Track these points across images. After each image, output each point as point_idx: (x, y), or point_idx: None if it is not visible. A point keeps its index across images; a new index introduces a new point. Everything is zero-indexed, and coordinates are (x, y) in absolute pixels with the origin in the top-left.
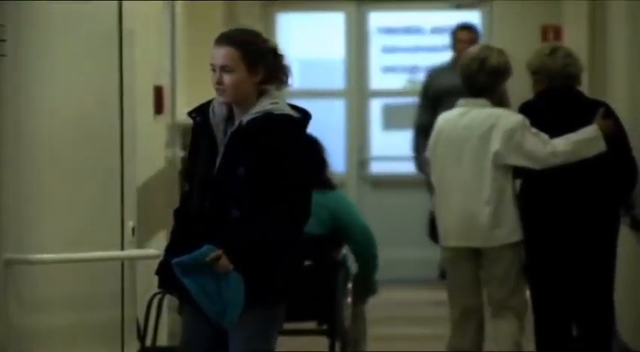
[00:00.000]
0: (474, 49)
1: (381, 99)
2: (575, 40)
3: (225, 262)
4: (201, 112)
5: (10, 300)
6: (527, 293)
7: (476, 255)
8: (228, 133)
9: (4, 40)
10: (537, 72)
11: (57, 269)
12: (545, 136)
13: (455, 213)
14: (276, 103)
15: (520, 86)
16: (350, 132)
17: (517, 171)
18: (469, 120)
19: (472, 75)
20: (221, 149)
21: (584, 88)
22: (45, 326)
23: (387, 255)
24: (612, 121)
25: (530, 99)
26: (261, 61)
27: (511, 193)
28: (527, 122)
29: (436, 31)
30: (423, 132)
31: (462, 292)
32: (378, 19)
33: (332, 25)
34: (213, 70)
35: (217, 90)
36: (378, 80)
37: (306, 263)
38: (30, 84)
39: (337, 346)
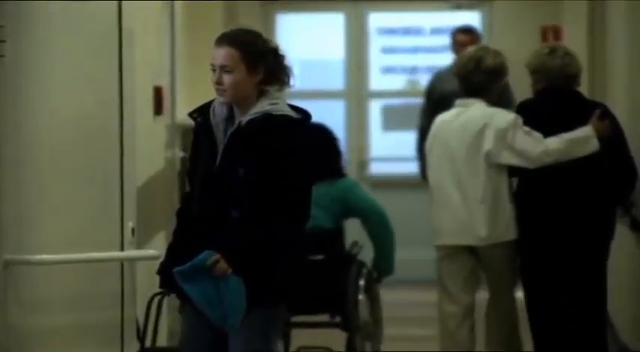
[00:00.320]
0: (470, 50)
1: (381, 100)
2: (574, 40)
3: (223, 265)
4: (201, 113)
5: (10, 301)
6: (520, 293)
7: (471, 254)
8: (228, 134)
9: (3, 41)
10: (536, 71)
11: (57, 270)
12: (538, 135)
13: (449, 211)
14: (276, 104)
15: (520, 87)
16: (349, 132)
17: (513, 171)
18: (464, 120)
19: (468, 75)
20: (221, 149)
21: (584, 88)
22: (45, 327)
23: None
24: (609, 123)
25: (528, 98)
26: (262, 62)
27: (505, 192)
28: (519, 121)
29: (436, 31)
30: (423, 138)
31: (455, 290)
32: (377, 19)
33: (331, 25)
34: (213, 70)
35: (217, 90)
36: (377, 81)
37: (319, 257)
38: (29, 84)
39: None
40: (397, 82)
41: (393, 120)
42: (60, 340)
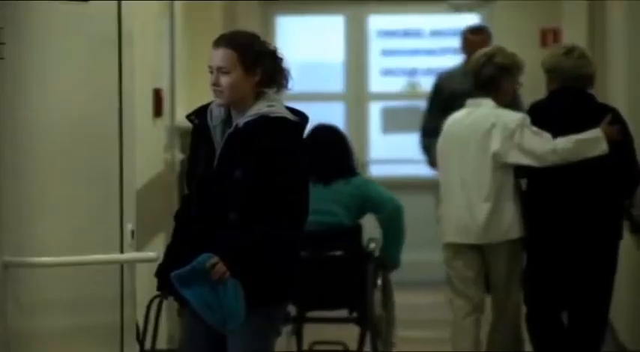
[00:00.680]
0: (487, 48)
1: (381, 102)
2: (574, 41)
3: (221, 268)
4: (199, 115)
5: (10, 303)
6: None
7: (477, 252)
8: (225, 136)
9: (3, 43)
10: (550, 71)
11: (56, 272)
12: (546, 134)
13: (455, 209)
14: (273, 106)
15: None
16: (349, 135)
17: (521, 172)
18: (473, 119)
19: (479, 68)
20: (218, 151)
21: None
22: (44, 329)
23: None
24: (619, 128)
25: (540, 98)
26: (259, 64)
27: (511, 191)
28: (527, 121)
29: (435, 34)
30: (430, 135)
31: (462, 287)
32: (377, 21)
33: (331, 27)
34: (211, 72)
35: (214, 91)
36: (377, 83)
37: (337, 253)
38: (29, 87)
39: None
40: (397, 85)
41: (392, 122)
42: (59, 342)
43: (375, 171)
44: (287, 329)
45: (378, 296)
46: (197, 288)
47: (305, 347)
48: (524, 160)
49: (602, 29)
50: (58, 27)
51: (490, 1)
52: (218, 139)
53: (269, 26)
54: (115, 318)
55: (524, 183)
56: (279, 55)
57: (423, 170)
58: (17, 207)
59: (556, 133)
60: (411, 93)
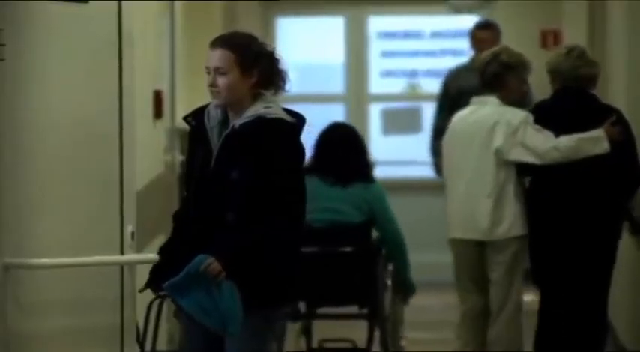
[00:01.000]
0: (495, 47)
1: (381, 103)
2: (574, 41)
3: (216, 266)
4: (196, 117)
5: (10, 304)
6: (524, 293)
7: (481, 248)
8: (222, 137)
9: (3, 45)
10: (551, 71)
11: (56, 273)
12: (548, 133)
13: (459, 206)
14: (270, 107)
15: None
16: None
17: (524, 170)
18: (477, 117)
19: (484, 66)
20: (215, 152)
21: None
22: (44, 330)
23: None
24: (621, 129)
25: (544, 98)
26: (256, 65)
27: (513, 189)
28: (530, 119)
29: (435, 35)
30: (440, 137)
31: (467, 275)
32: (377, 23)
33: (331, 29)
34: (208, 73)
35: (211, 92)
36: (377, 84)
37: (347, 249)
38: (29, 88)
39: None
40: (397, 86)
41: (392, 123)
42: (60, 343)
43: (376, 172)
44: (295, 326)
45: (387, 296)
46: (192, 294)
47: (314, 344)
48: (527, 157)
49: (602, 29)
50: (58, 28)
51: (490, 2)
52: (215, 141)
53: (269, 27)
54: (115, 319)
55: (527, 181)
56: (277, 57)
57: (424, 171)
58: (17, 209)
59: (558, 133)
60: (411, 94)
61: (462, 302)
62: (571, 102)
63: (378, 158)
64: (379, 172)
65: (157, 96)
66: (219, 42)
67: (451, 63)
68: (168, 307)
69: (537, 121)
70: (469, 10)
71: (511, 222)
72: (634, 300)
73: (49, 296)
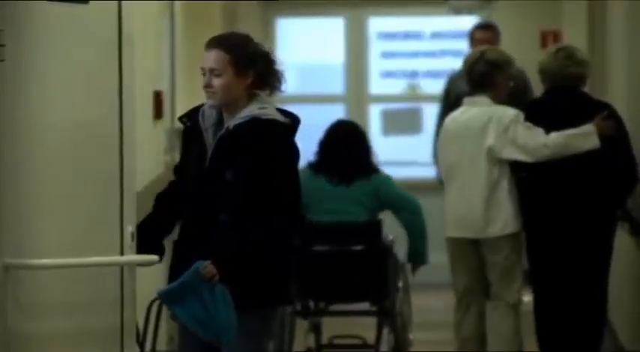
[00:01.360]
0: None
1: (381, 104)
2: (574, 42)
3: (211, 270)
4: (191, 117)
5: (9, 305)
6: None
7: (476, 246)
8: (216, 137)
9: (3, 45)
10: (540, 71)
11: (56, 274)
12: (539, 130)
13: (454, 205)
14: (265, 108)
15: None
16: None
17: (517, 168)
18: (469, 116)
19: (472, 66)
20: (210, 153)
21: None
22: (44, 331)
23: None
24: (612, 124)
25: (537, 97)
26: (251, 65)
27: (506, 187)
28: (520, 117)
29: (435, 36)
30: None
31: (463, 277)
32: (377, 24)
33: (331, 30)
34: (203, 74)
35: (207, 93)
36: (377, 85)
37: (358, 247)
38: (29, 88)
39: (386, 329)
40: (397, 87)
41: (392, 124)
42: (59, 344)
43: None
44: (305, 323)
45: (397, 296)
46: (187, 304)
47: (324, 341)
48: (518, 155)
49: (602, 29)
50: (58, 29)
51: (490, 3)
52: (210, 141)
53: (269, 28)
54: (115, 320)
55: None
56: (272, 57)
57: (424, 172)
58: (17, 209)
59: (551, 130)
60: (411, 95)
61: (457, 297)
62: (563, 100)
63: (378, 159)
64: None
65: (157, 97)
66: (214, 43)
67: (451, 63)
68: (168, 307)
69: (530, 119)
70: (469, 11)
71: (505, 219)
72: (634, 300)
73: (48, 296)
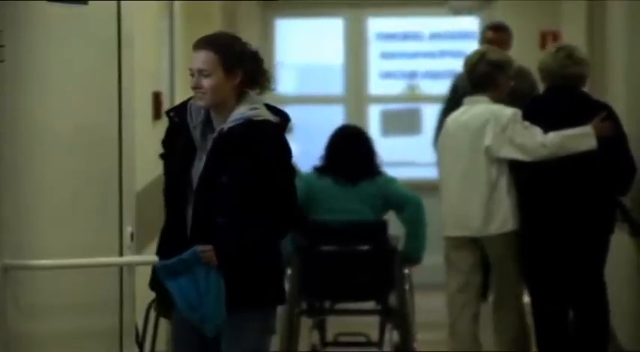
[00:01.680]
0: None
1: (380, 104)
2: (574, 42)
3: (211, 255)
4: (178, 112)
5: (9, 305)
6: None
7: (474, 245)
8: (210, 140)
9: (2, 46)
10: (540, 70)
11: (56, 275)
12: (537, 129)
13: (452, 204)
14: (257, 109)
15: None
16: None
17: (516, 167)
18: (468, 116)
19: (472, 67)
20: (200, 153)
21: (584, 89)
22: (44, 331)
23: None
24: (610, 125)
25: (536, 96)
26: (240, 65)
27: (505, 186)
28: (519, 116)
29: (435, 36)
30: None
31: (457, 277)
32: (376, 24)
33: (331, 30)
34: (192, 75)
35: (196, 93)
36: (376, 86)
37: (365, 247)
38: (29, 88)
39: (389, 328)
40: (396, 87)
41: (392, 125)
42: (59, 344)
43: None
44: (309, 321)
45: (408, 291)
46: (180, 280)
47: (329, 338)
48: (516, 155)
49: (602, 29)
50: (57, 29)
51: (490, 3)
52: (198, 138)
53: (269, 28)
54: (114, 321)
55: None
56: (260, 57)
57: (424, 172)
58: (17, 210)
59: (550, 129)
60: (410, 95)
61: (452, 299)
62: (562, 99)
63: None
64: None
65: (157, 98)
66: (203, 43)
67: (451, 64)
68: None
69: (529, 118)
70: (468, 12)
71: (504, 218)
72: (634, 300)
73: (48, 297)
